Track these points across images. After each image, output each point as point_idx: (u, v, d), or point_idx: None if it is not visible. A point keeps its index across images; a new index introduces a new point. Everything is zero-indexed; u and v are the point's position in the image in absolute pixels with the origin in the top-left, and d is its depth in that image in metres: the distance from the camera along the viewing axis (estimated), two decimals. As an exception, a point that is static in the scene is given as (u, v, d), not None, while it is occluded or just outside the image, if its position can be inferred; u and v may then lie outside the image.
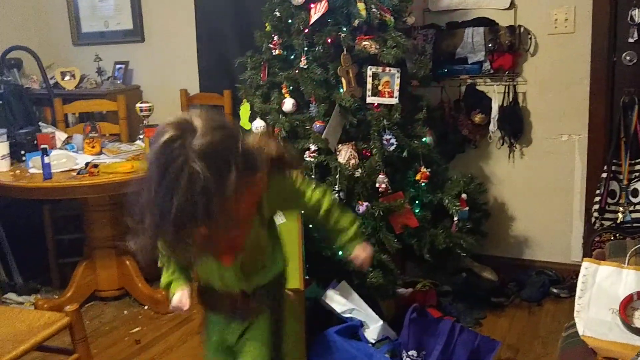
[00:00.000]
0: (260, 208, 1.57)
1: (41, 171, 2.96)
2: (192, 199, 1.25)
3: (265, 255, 1.68)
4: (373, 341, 2.57)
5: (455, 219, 2.87)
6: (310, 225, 2.75)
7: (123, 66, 4.44)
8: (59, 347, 2.30)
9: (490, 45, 3.26)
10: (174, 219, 1.26)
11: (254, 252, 1.63)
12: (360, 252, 1.78)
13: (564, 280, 3.33)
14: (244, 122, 3.20)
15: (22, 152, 3.28)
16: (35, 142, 3.34)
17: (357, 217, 1.76)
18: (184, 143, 1.27)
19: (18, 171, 3.14)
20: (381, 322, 2.63)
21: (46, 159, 2.94)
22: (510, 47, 3.24)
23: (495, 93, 3.34)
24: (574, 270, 2.94)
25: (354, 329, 2.59)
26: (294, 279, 2.44)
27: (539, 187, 3.42)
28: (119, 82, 4.39)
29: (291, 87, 2.97)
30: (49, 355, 2.68)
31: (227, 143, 1.34)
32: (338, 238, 1.79)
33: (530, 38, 3.28)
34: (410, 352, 2.51)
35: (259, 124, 3.03)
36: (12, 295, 3.54)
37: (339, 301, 2.65)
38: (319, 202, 1.72)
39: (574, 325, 1.87)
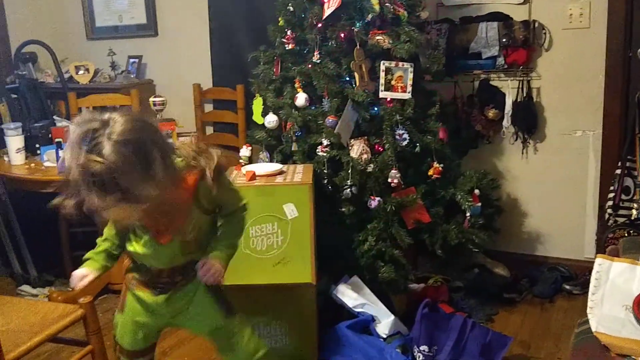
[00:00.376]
0: (197, 200, 1.69)
1: (56, 164, 2.98)
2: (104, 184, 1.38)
3: (207, 238, 1.81)
4: (384, 336, 2.57)
5: (468, 214, 2.86)
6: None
7: (136, 60, 4.46)
8: (73, 339, 2.31)
9: (504, 40, 3.25)
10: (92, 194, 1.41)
11: (196, 235, 1.76)
12: (209, 264, 1.76)
13: (576, 276, 3.31)
14: (256, 116, 3.21)
15: (37, 145, 3.32)
16: (50, 135, 3.37)
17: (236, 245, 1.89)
18: (103, 133, 1.39)
19: (33, 164, 3.18)
20: (393, 317, 2.63)
21: (61, 153, 2.97)
22: (524, 42, 3.22)
23: (509, 88, 3.32)
24: (587, 267, 2.93)
25: (366, 324, 2.59)
26: (306, 273, 2.45)
27: (553, 183, 3.40)
28: (132, 76, 4.41)
29: (304, 82, 2.97)
30: (63, 347, 2.72)
31: (143, 138, 1.44)
32: (217, 245, 1.83)
33: (545, 33, 3.25)
34: (421, 347, 2.51)
35: (271, 119, 3.04)
36: (26, 288, 3.57)
37: (351, 295, 2.65)
38: (237, 212, 1.86)
39: (587, 321, 1.87)
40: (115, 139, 1.38)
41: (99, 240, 1.90)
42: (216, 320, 1.89)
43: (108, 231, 1.88)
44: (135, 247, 1.78)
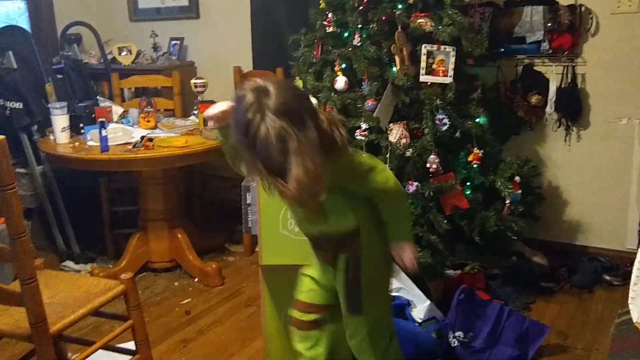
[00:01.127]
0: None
1: (99, 144, 3.04)
2: (271, 153, 1.42)
3: (327, 211, 1.75)
4: (420, 320, 2.57)
5: (507, 201, 2.82)
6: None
7: (178, 42, 4.50)
8: (114, 313, 2.38)
9: (549, 24, 3.19)
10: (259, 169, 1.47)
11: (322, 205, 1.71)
12: (402, 252, 1.86)
13: (617, 267, 3.25)
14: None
15: (81, 125, 3.38)
16: (93, 115, 3.43)
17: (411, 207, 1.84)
18: (260, 104, 1.43)
19: (77, 143, 3.24)
20: (428, 302, 2.63)
21: (103, 132, 3.03)
22: (570, 26, 3.15)
23: (553, 74, 3.26)
24: (629, 258, 2.88)
25: (401, 308, 2.59)
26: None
27: (595, 172, 3.34)
28: (174, 58, 4.45)
29: (344, 65, 2.96)
30: (104, 321, 2.80)
31: (299, 101, 1.49)
32: (389, 228, 1.85)
33: (592, 17, 3.18)
34: (457, 333, 2.50)
35: (310, 102, 3.04)
36: (69, 264, 3.67)
37: (387, 280, 2.65)
38: (381, 189, 1.78)
39: (628, 312, 1.84)
40: (273, 108, 1.42)
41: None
42: (343, 308, 1.93)
43: None
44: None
